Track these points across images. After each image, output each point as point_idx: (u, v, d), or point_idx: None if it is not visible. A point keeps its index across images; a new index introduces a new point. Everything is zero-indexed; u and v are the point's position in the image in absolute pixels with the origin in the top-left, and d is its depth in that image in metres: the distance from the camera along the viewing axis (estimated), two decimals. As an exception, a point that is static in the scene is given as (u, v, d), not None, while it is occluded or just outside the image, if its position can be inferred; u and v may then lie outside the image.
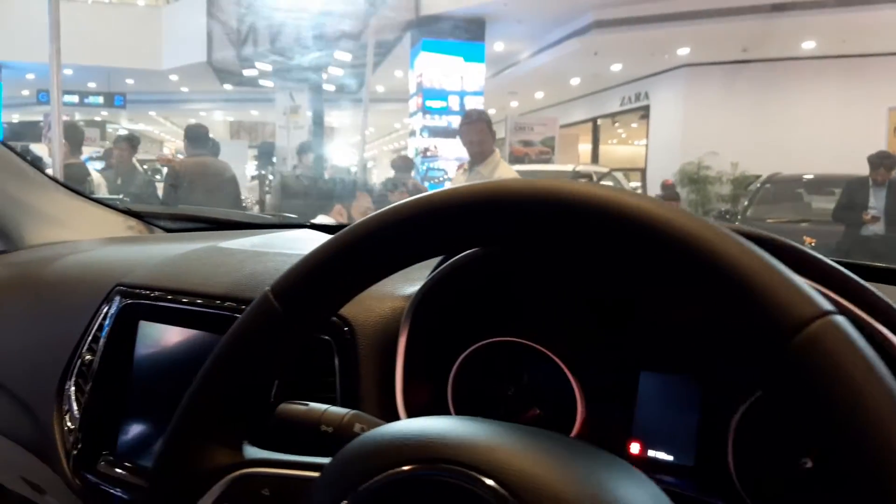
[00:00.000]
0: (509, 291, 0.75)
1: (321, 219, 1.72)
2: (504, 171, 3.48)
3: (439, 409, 0.75)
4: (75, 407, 0.89)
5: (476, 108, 5.83)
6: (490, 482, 0.33)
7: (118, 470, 0.85)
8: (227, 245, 0.98)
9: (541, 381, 0.78)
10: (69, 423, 0.88)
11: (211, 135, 5.19)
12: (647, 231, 0.35)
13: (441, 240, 0.43)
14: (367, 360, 0.70)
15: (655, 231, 0.35)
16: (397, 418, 0.65)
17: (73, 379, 0.90)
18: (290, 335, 0.45)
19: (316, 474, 0.42)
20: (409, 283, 0.77)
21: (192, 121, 6.38)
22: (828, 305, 0.31)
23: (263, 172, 11.04)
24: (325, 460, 0.42)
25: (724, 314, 0.33)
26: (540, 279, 0.72)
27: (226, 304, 0.80)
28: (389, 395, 0.68)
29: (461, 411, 0.77)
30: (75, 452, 0.86)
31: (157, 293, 0.86)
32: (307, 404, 0.58)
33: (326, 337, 0.72)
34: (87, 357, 0.89)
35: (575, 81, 13.73)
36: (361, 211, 3.90)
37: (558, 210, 0.37)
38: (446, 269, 0.70)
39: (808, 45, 9.97)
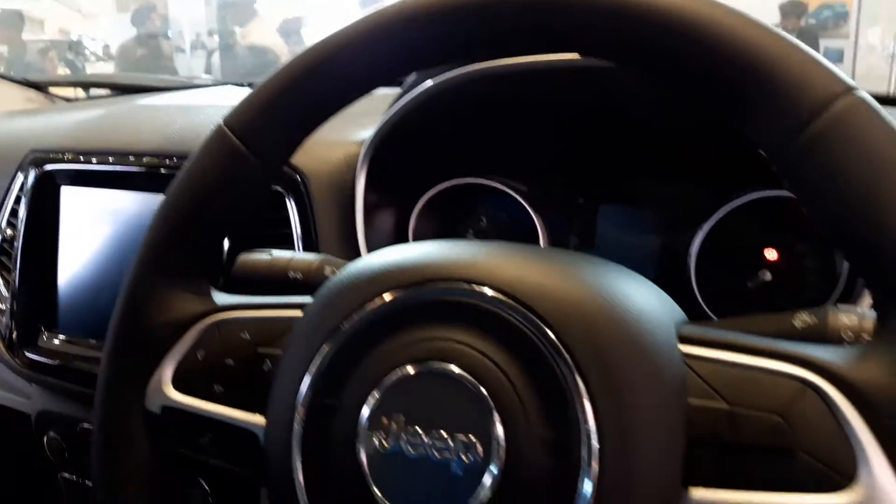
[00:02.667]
0: (467, 130, 0.71)
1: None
2: None
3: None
4: (3, 289, 0.82)
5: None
6: (489, 291, 0.31)
7: (59, 342, 0.80)
8: (150, 102, 0.89)
9: (502, 221, 0.77)
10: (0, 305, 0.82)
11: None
12: (648, 17, 0.31)
13: (415, 50, 0.38)
14: (324, 209, 0.66)
15: (660, 17, 0.31)
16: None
17: None
18: (248, 168, 0.40)
19: (298, 313, 0.39)
20: (360, 128, 0.72)
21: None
22: (850, 81, 0.29)
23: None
24: (307, 299, 0.39)
25: (735, 102, 0.31)
26: (501, 112, 0.68)
27: (159, 160, 0.73)
28: (351, 245, 0.65)
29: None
30: (12, 334, 0.81)
31: (78, 155, 0.78)
32: (270, 252, 0.54)
33: (278, 188, 0.67)
34: (8, 232, 0.82)
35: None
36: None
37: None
38: (401, 111, 0.65)
39: None
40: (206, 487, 0.72)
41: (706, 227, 0.66)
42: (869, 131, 0.28)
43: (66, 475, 0.87)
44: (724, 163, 0.65)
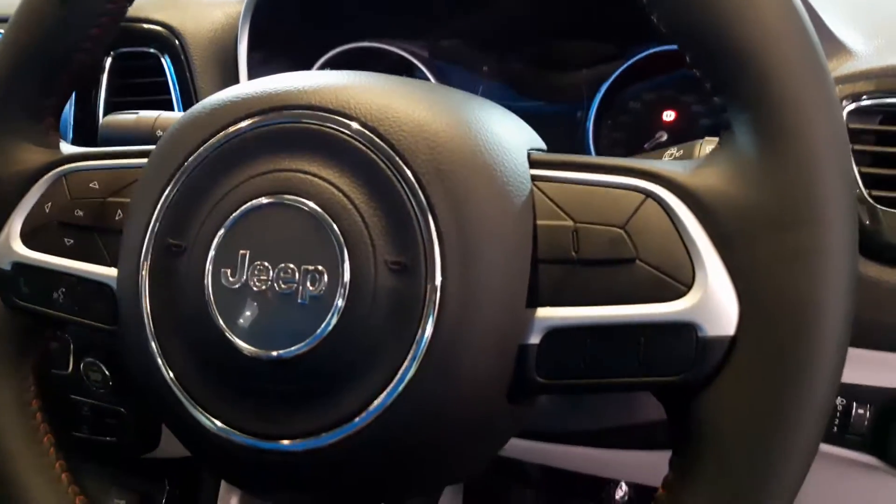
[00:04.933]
0: None
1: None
2: None
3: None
4: None
5: None
6: (344, 119, 0.29)
7: None
8: None
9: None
10: None
11: None
12: None
13: None
14: (204, 72, 0.62)
15: None
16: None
17: None
18: (86, 4, 0.36)
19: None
20: (242, -15, 0.66)
21: None
22: None
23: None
24: None
25: None
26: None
27: None
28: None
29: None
30: None
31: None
32: (136, 112, 0.50)
33: (152, 50, 0.62)
34: None
35: None
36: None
37: None
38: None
39: None
40: (106, 372, 0.71)
41: (604, 87, 0.65)
42: None
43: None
44: (619, 18, 0.63)
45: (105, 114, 0.59)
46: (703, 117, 0.66)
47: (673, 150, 0.38)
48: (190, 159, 0.32)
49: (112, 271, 0.36)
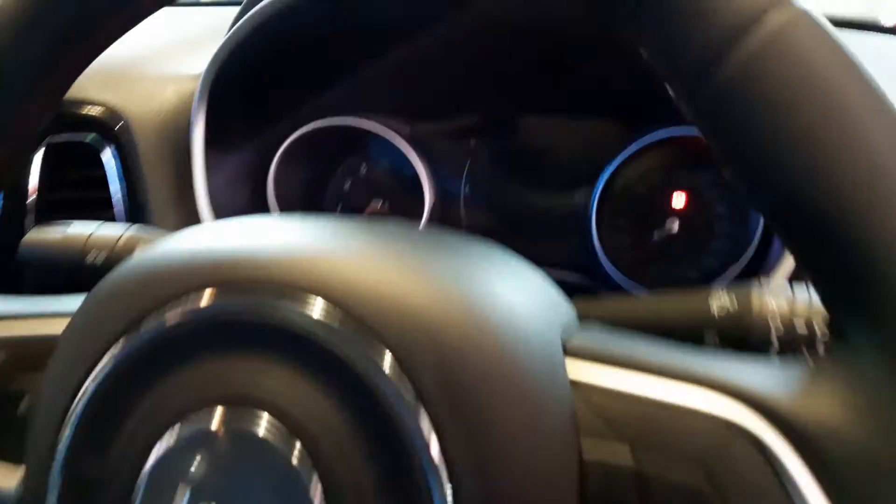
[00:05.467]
0: (333, 57, 0.59)
1: None
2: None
3: (260, 213, 0.62)
4: None
5: None
6: (312, 299, 0.21)
7: None
8: None
9: (384, 168, 0.66)
10: None
11: None
12: None
13: None
14: (154, 161, 0.54)
15: None
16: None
17: None
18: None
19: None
20: (194, 58, 0.58)
21: None
22: None
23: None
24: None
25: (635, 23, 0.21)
26: (371, 32, 0.56)
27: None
28: (189, 203, 0.53)
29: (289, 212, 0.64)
30: None
31: None
32: (69, 224, 0.42)
33: (89, 142, 0.53)
34: None
35: None
36: None
37: None
38: (245, 30, 0.52)
39: None
40: None
41: (608, 171, 0.58)
42: (812, 53, 0.19)
43: None
44: (626, 97, 0.56)
45: (37, 214, 0.51)
46: (717, 203, 0.60)
47: (724, 299, 0.30)
48: (107, 355, 0.23)
49: (12, 478, 0.27)
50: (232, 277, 0.23)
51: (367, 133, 0.63)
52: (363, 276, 0.22)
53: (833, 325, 0.21)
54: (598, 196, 0.59)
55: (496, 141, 0.64)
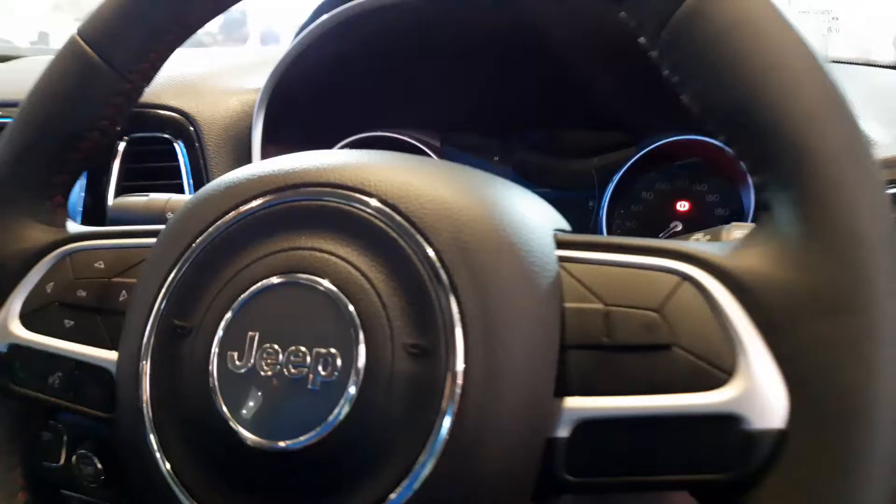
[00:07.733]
0: (373, 75, 0.68)
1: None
2: None
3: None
4: None
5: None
6: (363, 196, 0.28)
7: None
8: None
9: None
10: None
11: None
12: None
13: None
14: (218, 159, 0.62)
15: None
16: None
17: None
18: (100, 78, 0.36)
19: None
20: (257, 76, 0.68)
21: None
22: None
23: None
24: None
25: None
26: (408, 54, 0.65)
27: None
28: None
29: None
30: None
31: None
32: (147, 195, 0.50)
33: (166, 135, 0.62)
34: None
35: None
36: None
37: None
38: (297, 49, 0.61)
39: None
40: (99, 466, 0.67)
41: (616, 177, 0.65)
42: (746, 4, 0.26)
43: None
44: (634, 109, 0.63)
45: (115, 198, 0.59)
46: (717, 207, 0.66)
47: (699, 235, 0.36)
48: (200, 237, 0.31)
49: (112, 355, 0.34)
50: (298, 180, 0.30)
51: (403, 143, 0.71)
52: (397, 175, 0.29)
53: (761, 202, 0.27)
54: (608, 200, 0.65)
55: (513, 150, 0.71)
